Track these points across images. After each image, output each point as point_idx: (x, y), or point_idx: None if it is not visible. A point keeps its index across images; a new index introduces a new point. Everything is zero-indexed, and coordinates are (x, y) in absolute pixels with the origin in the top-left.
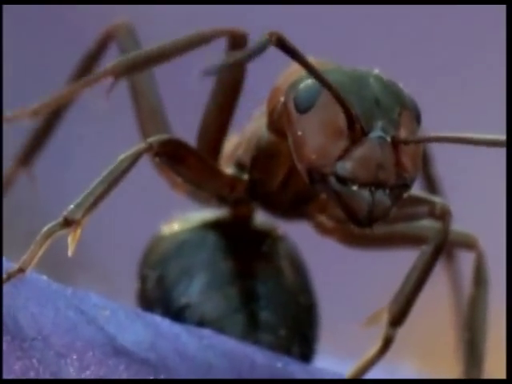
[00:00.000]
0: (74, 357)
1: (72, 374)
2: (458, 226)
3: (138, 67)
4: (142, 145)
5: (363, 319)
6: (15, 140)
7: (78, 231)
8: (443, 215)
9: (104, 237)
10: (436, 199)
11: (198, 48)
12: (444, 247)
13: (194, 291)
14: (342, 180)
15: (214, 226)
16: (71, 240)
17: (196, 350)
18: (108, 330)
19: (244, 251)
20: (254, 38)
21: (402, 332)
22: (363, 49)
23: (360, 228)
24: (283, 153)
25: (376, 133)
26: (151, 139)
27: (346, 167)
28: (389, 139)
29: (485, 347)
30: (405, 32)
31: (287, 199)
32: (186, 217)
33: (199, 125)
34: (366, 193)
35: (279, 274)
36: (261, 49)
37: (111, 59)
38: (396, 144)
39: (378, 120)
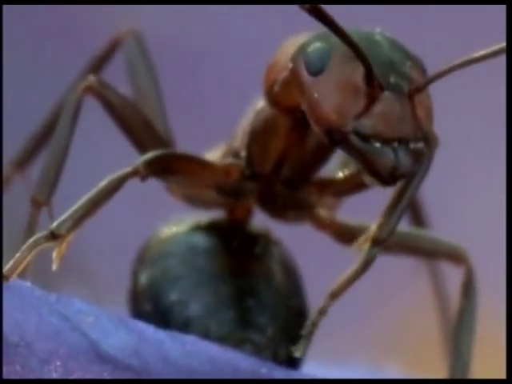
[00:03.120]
0: (58, 363)
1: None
2: (450, 235)
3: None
4: (128, 169)
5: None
6: (15, 140)
7: (64, 246)
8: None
9: (91, 241)
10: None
11: None
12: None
13: (183, 288)
14: (364, 137)
15: (208, 227)
16: (56, 255)
17: (179, 355)
18: (91, 336)
19: (236, 252)
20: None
21: (388, 336)
22: None
23: (384, 185)
24: (280, 128)
25: (393, 88)
26: (137, 163)
27: (367, 124)
28: (405, 94)
29: (471, 358)
30: (404, 32)
31: (283, 183)
32: (182, 219)
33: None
34: (388, 149)
35: (271, 276)
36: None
37: (117, 66)
38: (412, 97)
39: (393, 75)
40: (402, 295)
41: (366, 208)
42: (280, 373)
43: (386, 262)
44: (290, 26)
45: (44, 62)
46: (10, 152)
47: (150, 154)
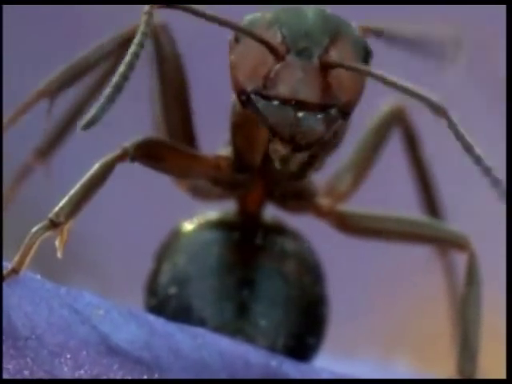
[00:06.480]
0: (68, 356)
1: (66, 373)
2: (453, 224)
3: (67, 83)
4: (117, 151)
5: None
6: (15, 140)
7: (65, 234)
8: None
9: (100, 235)
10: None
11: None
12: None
13: (183, 280)
14: (265, 97)
15: (217, 221)
16: (59, 242)
17: (190, 348)
18: (102, 329)
19: (239, 244)
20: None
21: (397, 329)
22: None
23: (290, 150)
24: (254, 118)
25: (300, 53)
26: (126, 144)
27: (267, 84)
28: (313, 60)
29: (478, 344)
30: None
31: (274, 174)
32: (200, 213)
33: (165, 122)
34: (288, 109)
35: (273, 267)
36: (146, 32)
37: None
38: (323, 66)
39: (303, 42)
40: (412, 289)
41: (368, 200)
42: (290, 366)
43: (396, 256)
44: None
45: (48, 62)
46: (12, 153)
47: (139, 137)
